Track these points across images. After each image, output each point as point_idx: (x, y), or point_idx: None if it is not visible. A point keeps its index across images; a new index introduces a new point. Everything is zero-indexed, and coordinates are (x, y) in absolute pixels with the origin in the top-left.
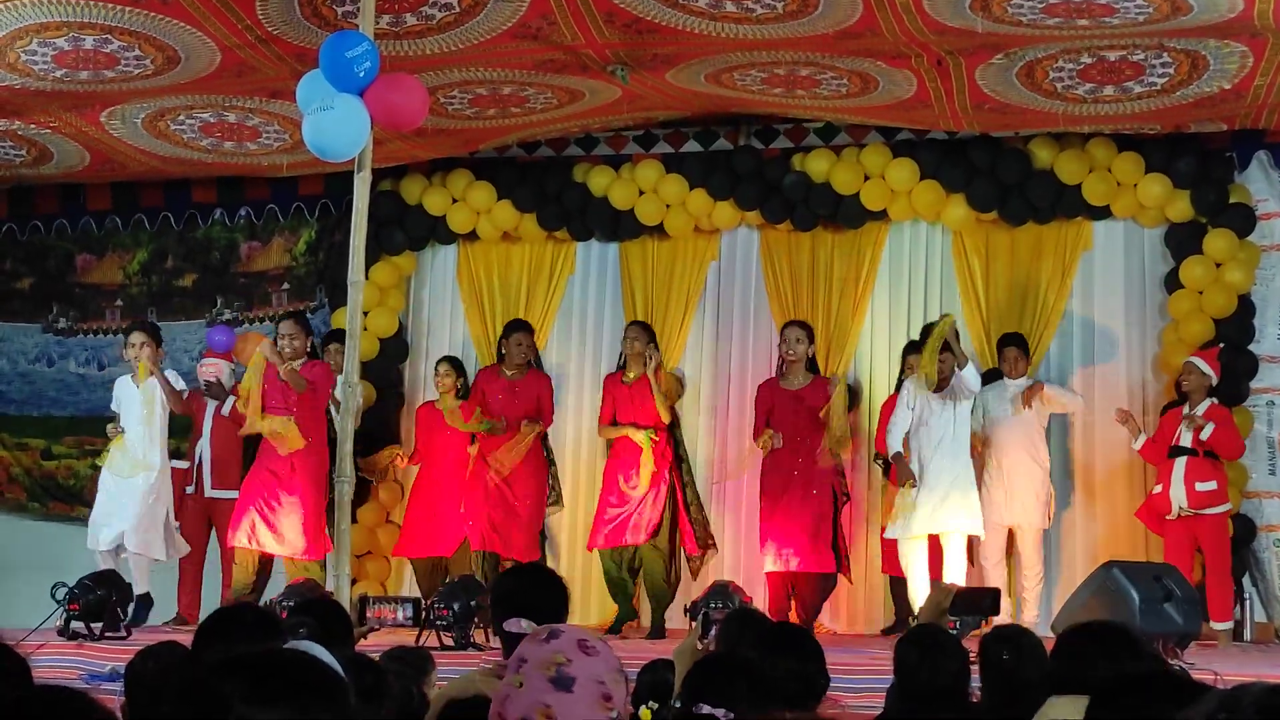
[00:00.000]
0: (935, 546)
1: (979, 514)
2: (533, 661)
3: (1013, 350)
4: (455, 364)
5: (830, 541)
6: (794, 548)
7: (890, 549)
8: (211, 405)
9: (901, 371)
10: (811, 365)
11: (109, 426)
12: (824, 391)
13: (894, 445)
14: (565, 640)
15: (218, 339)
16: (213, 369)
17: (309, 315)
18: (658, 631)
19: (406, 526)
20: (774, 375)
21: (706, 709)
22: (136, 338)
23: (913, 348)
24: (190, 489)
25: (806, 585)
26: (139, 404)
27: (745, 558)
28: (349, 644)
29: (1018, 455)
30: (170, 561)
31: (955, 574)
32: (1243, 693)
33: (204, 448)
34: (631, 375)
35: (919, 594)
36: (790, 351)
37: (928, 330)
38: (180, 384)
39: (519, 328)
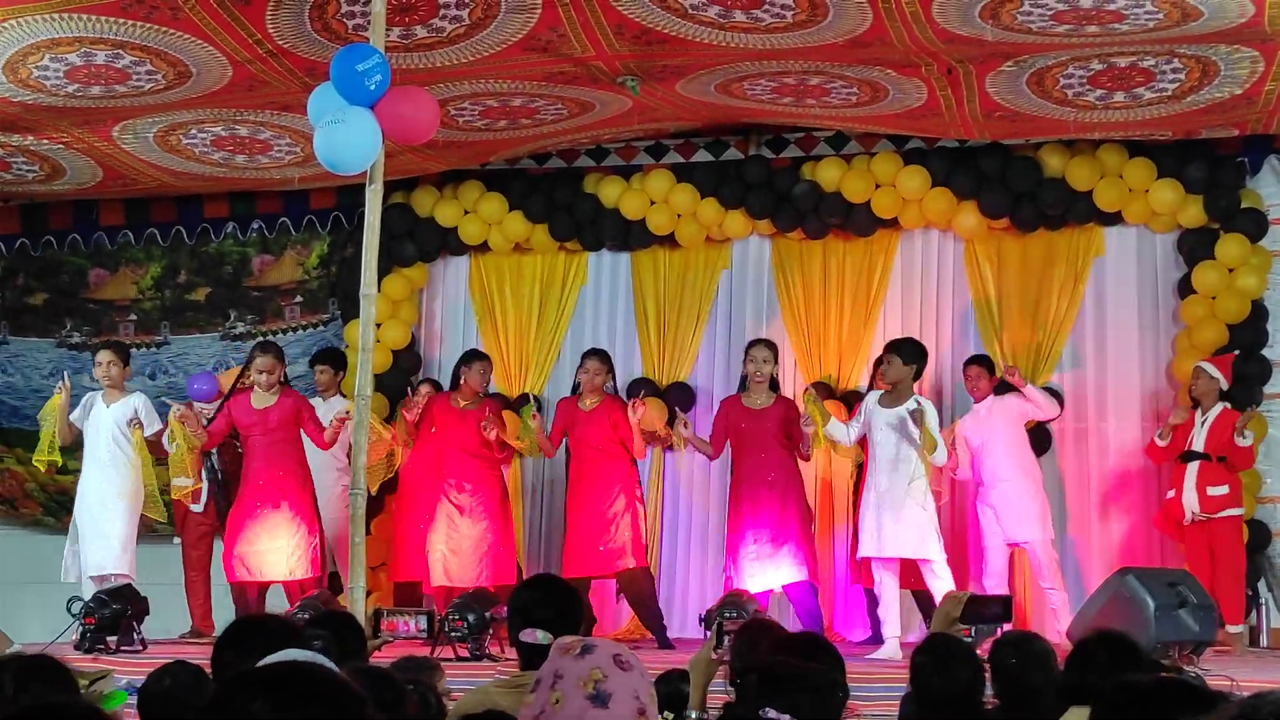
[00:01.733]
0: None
1: (933, 536)
2: (569, 677)
3: (974, 369)
4: (436, 385)
5: (813, 553)
6: (779, 565)
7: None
8: None
9: (871, 383)
10: (773, 384)
11: (59, 385)
12: (786, 412)
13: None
14: (600, 655)
15: (201, 388)
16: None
17: (321, 328)
18: None
19: (394, 549)
20: (736, 393)
21: (772, 713)
22: (105, 356)
23: (881, 361)
24: (196, 506)
25: (800, 594)
26: (108, 426)
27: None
28: (363, 657)
29: (1009, 473)
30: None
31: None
32: (1261, 700)
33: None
34: (588, 403)
35: (890, 616)
36: (757, 372)
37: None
38: (155, 421)
39: (477, 357)
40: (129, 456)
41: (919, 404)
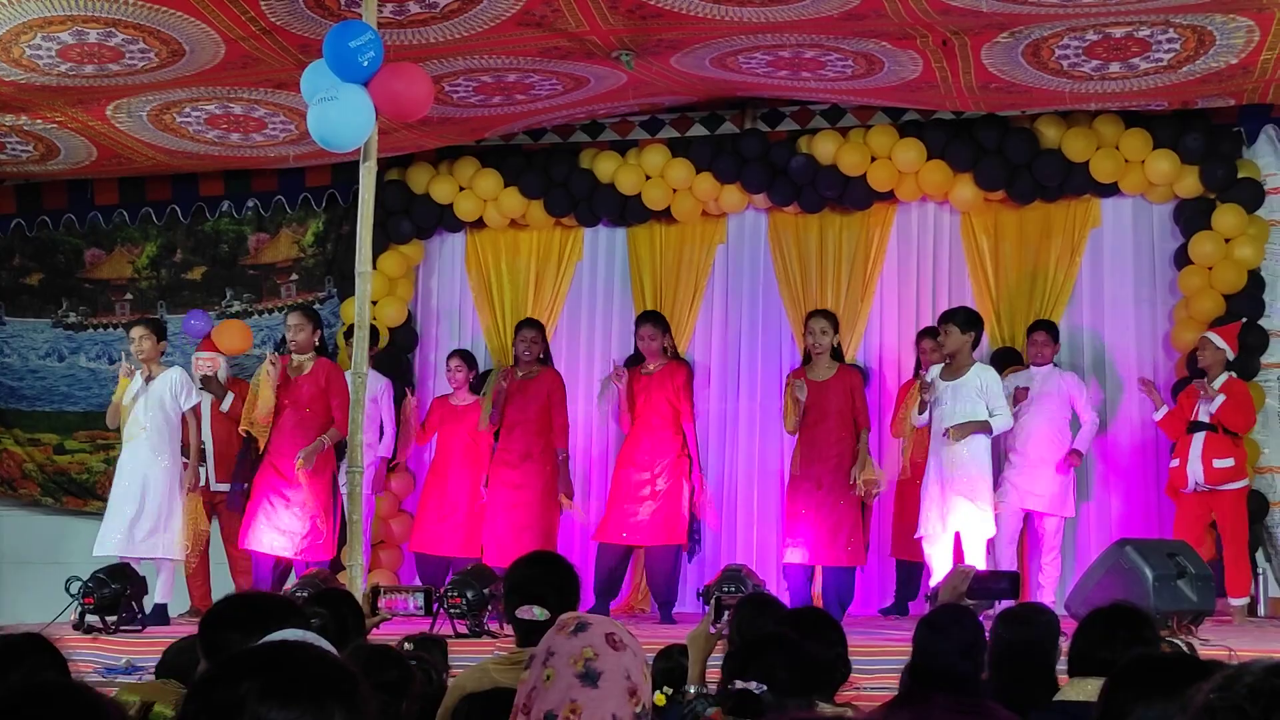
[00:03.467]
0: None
1: (988, 513)
2: (561, 655)
3: (1041, 334)
4: (466, 357)
5: (862, 535)
6: (826, 541)
7: (901, 533)
8: (209, 399)
9: (917, 358)
10: (835, 354)
11: (121, 366)
12: (850, 381)
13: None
14: (594, 633)
15: (195, 325)
16: (209, 363)
17: (318, 306)
18: None
19: (419, 520)
20: (799, 365)
21: (739, 684)
22: (137, 331)
23: (926, 333)
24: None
25: (835, 578)
26: (153, 402)
27: (757, 544)
28: (361, 634)
29: (1042, 442)
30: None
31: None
32: (1244, 670)
33: (205, 442)
34: (651, 368)
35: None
36: (816, 343)
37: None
38: (191, 396)
39: (524, 325)
40: (168, 433)
41: (981, 379)
